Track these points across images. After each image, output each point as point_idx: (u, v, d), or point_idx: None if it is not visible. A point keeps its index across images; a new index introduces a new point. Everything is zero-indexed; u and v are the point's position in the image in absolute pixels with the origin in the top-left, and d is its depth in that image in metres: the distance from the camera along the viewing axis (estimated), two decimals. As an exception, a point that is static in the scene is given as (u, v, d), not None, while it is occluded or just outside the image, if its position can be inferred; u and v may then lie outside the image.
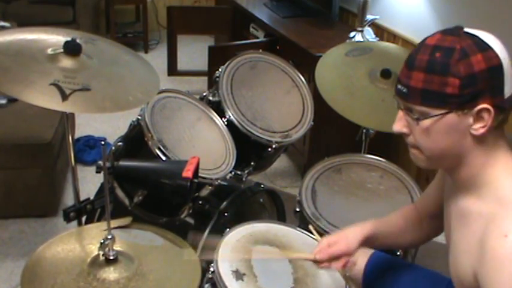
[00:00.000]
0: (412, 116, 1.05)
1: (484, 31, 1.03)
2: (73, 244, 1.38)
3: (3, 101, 2.61)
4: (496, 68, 0.98)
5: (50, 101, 1.38)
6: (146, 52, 4.85)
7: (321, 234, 1.55)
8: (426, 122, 1.03)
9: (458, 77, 0.97)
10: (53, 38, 1.58)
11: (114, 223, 1.45)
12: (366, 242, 1.42)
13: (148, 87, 1.64)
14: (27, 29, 1.60)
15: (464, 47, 0.98)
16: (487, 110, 0.99)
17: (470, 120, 1.00)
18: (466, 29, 1.02)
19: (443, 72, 0.98)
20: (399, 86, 1.06)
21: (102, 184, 1.93)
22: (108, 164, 1.37)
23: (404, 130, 1.09)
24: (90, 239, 1.39)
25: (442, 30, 1.04)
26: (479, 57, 0.98)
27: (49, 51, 1.51)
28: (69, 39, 1.53)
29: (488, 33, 1.02)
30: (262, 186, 1.98)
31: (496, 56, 0.98)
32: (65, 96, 1.39)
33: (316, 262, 1.40)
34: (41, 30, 1.61)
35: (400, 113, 1.09)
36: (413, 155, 1.12)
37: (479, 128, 1.01)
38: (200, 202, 1.79)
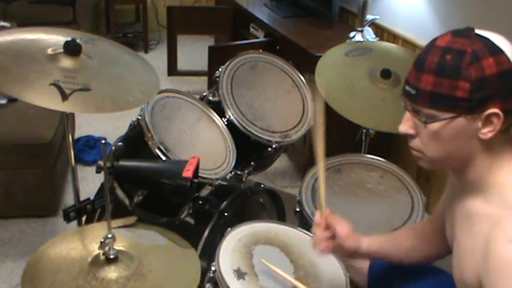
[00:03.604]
0: (420, 118, 1.03)
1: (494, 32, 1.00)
2: (76, 243, 1.38)
3: (3, 101, 2.61)
4: (507, 72, 0.97)
5: (50, 101, 1.38)
6: (146, 52, 4.85)
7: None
8: (434, 126, 1.01)
9: (469, 80, 0.96)
10: (53, 38, 1.58)
11: (118, 222, 1.45)
12: (365, 255, 1.39)
13: (148, 87, 1.64)
14: (27, 29, 1.61)
15: (475, 51, 0.96)
16: (497, 114, 0.97)
17: (479, 124, 0.99)
18: (477, 31, 1.00)
19: (453, 76, 0.96)
20: (407, 88, 1.04)
21: (102, 184, 1.94)
22: (108, 164, 1.38)
23: (411, 132, 1.07)
24: (93, 238, 1.39)
25: (453, 30, 1.02)
26: (491, 61, 0.96)
27: (49, 51, 1.51)
28: (69, 39, 1.53)
29: (499, 36, 1.00)
30: (262, 186, 1.98)
31: (508, 60, 0.97)
32: (65, 96, 1.39)
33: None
34: (41, 30, 1.61)
35: (407, 114, 1.07)
36: (416, 156, 1.10)
37: (487, 132, 0.99)
38: (200, 202, 1.79)
